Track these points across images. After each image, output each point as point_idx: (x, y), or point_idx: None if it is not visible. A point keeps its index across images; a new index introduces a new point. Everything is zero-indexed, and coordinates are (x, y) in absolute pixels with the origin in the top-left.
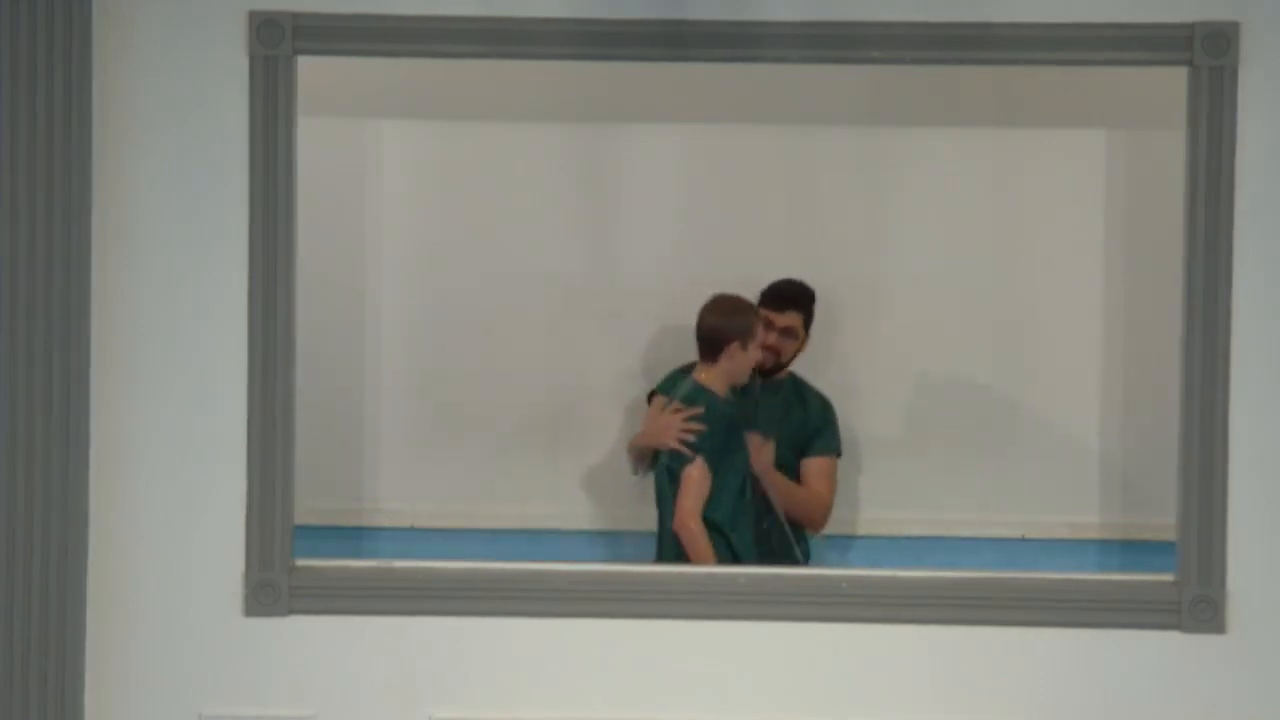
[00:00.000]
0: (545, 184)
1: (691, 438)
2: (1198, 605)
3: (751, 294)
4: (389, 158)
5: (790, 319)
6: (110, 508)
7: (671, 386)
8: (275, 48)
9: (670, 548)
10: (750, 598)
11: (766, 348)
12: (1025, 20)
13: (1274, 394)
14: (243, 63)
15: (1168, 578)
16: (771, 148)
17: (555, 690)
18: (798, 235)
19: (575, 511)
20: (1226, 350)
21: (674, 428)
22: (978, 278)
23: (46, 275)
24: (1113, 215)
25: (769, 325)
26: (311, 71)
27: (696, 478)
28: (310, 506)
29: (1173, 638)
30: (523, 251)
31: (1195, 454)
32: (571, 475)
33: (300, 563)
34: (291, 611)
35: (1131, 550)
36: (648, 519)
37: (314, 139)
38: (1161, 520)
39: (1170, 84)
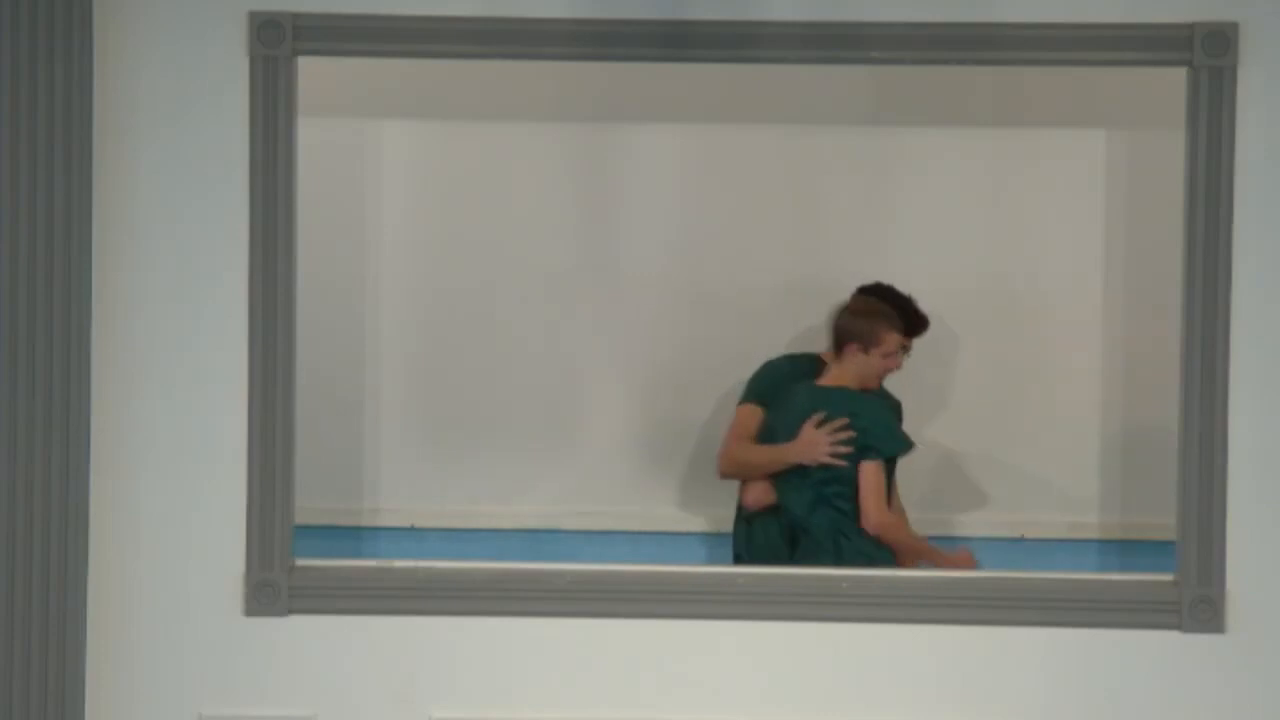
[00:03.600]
0: (545, 184)
1: (844, 450)
2: (1197, 605)
3: (758, 295)
4: (389, 158)
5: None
6: (110, 508)
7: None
8: (275, 48)
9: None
10: (750, 598)
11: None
12: (1025, 20)
13: (1274, 394)
14: (243, 63)
15: (1168, 578)
16: (772, 148)
17: (555, 690)
18: (798, 235)
19: (575, 511)
20: (1226, 350)
21: (824, 443)
22: (977, 277)
23: (46, 275)
24: (1113, 215)
25: (905, 349)
26: (311, 71)
27: (875, 478)
28: (310, 506)
29: (1173, 638)
30: (523, 251)
31: (1195, 454)
32: (571, 475)
33: (300, 563)
34: (291, 611)
35: (1131, 550)
36: (648, 519)
37: (314, 139)
38: (1161, 520)
39: (1170, 84)
